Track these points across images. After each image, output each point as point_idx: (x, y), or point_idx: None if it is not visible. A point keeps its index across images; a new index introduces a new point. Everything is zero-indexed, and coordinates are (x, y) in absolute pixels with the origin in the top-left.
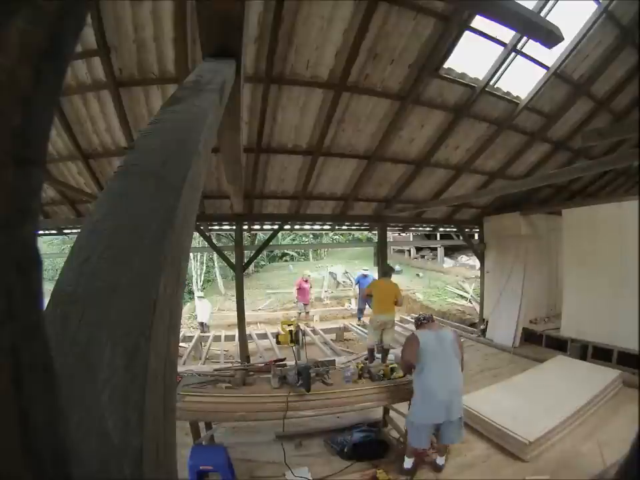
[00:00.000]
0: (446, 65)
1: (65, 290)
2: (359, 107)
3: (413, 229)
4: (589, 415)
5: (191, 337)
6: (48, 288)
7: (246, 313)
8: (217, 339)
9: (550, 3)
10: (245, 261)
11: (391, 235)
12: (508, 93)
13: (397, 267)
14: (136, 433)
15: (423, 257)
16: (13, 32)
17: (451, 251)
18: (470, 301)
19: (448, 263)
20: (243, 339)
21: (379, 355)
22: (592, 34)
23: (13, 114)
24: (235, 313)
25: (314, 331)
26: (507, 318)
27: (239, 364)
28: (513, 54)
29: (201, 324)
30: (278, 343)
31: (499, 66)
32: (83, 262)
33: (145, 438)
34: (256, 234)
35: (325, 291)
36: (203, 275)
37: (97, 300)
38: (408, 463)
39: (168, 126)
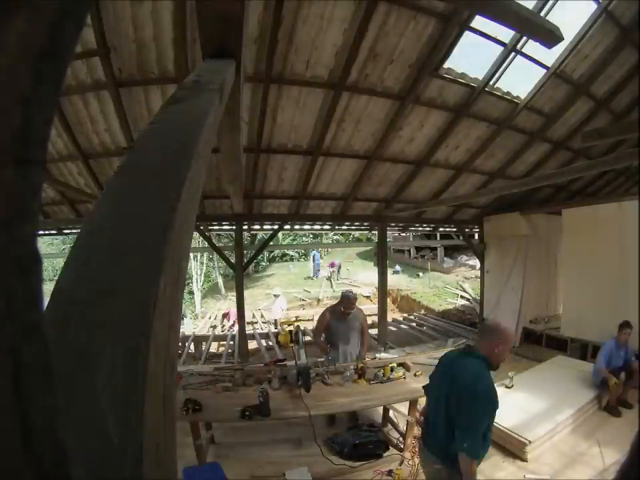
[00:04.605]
0: (446, 65)
1: (64, 290)
2: (358, 106)
3: (412, 228)
4: (589, 414)
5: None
6: (48, 288)
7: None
8: (217, 338)
9: (550, 3)
10: (245, 260)
11: (390, 235)
12: (508, 93)
13: (397, 267)
14: (136, 433)
15: (423, 256)
16: (12, 32)
17: (451, 251)
18: (470, 301)
19: (448, 262)
20: (243, 338)
21: None
22: (592, 34)
23: (13, 114)
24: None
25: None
26: (507, 318)
27: (239, 364)
28: (512, 54)
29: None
30: (278, 343)
31: (498, 66)
32: (83, 262)
33: (145, 438)
34: (256, 234)
35: (324, 292)
36: (203, 275)
37: (97, 300)
38: None
39: (168, 126)
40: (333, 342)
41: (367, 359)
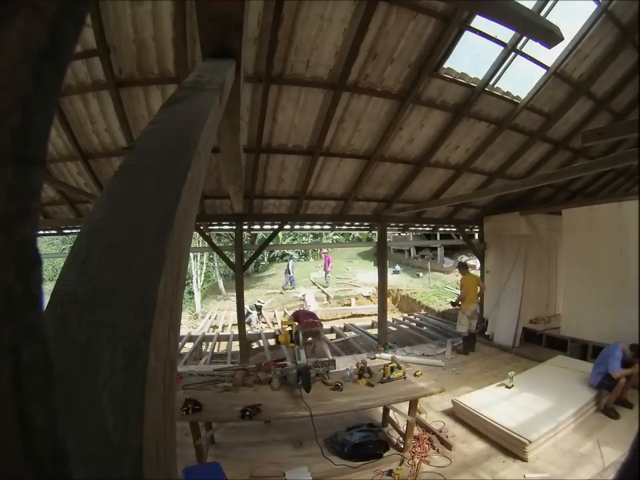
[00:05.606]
0: (446, 65)
1: (65, 290)
2: (358, 106)
3: (412, 228)
4: (589, 414)
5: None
6: (48, 288)
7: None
8: (221, 338)
9: (550, 3)
10: (245, 260)
11: (390, 235)
12: (508, 93)
13: (397, 267)
14: (136, 433)
15: (423, 256)
16: (12, 32)
17: (451, 251)
18: None
19: (448, 262)
20: (243, 338)
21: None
22: (592, 34)
23: (13, 114)
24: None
25: None
26: (507, 318)
27: (239, 364)
28: (512, 54)
29: None
30: (277, 343)
31: (498, 66)
32: (83, 262)
33: (145, 438)
34: (256, 234)
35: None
36: (203, 275)
37: (97, 300)
38: None
39: (168, 126)
40: None
41: (368, 359)
